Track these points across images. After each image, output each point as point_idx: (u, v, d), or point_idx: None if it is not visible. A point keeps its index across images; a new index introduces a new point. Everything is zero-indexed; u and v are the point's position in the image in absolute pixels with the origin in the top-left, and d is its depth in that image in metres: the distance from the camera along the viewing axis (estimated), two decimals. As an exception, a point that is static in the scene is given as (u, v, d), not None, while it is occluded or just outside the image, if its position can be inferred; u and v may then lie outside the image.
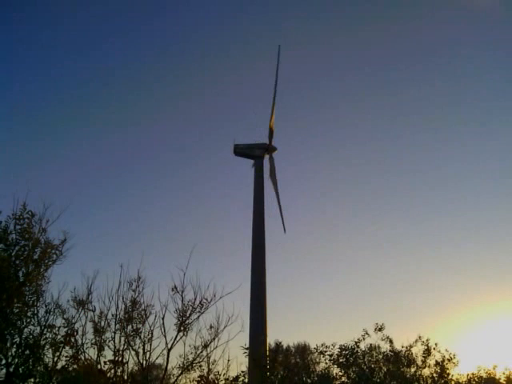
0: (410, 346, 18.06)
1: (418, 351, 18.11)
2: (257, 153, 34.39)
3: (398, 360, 17.63)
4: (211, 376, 14.60)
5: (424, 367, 17.82)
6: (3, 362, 12.08)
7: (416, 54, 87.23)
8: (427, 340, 18.18)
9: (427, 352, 18.00)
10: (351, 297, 67.22)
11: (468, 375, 18.74)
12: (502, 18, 74.89)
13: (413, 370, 17.72)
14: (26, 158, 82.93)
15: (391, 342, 18.12)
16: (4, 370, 12.01)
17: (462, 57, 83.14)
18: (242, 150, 34.45)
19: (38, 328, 13.15)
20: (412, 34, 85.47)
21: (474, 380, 18.55)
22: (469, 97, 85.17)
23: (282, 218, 32.80)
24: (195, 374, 14.76)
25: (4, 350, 12.18)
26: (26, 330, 12.98)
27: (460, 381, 18.39)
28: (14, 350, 12.49)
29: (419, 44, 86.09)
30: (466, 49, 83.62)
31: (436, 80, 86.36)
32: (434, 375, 17.54)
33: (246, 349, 17.80)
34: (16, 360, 12.34)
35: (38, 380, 12.62)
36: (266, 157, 34.46)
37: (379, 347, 18.07)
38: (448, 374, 17.72)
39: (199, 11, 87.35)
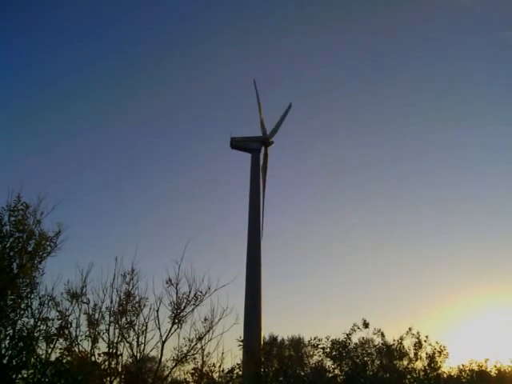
0: (401, 339, 18.26)
1: (409, 344, 18.32)
2: (253, 146, 34.28)
3: (390, 353, 17.81)
4: (205, 368, 14.67)
5: (416, 360, 18.03)
6: (-4, 353, 12.05)
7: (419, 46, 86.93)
8: (418, 333, 18.38)
9: (418, 345, 18.21)
10: (345, 289, 67.63)
11: (459, 368, 18.99)
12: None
13: (405, 362, 17.93)
14: (21, 150, 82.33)
15: (383, 335, 18.33)
16: (-3, 362, 11.99)
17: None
18: (238, 143, 34.30)
19: (32, 320, 13.07)
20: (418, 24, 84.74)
21: (466, 372, 18.79)
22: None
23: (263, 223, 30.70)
24: (189, 367, 14.88)
25: (-3, 342, 12.15)
26: (19, 322, 12.88)
27: (452, 373, 18.62)
28: (7, 341, 12.44)
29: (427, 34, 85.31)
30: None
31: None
32: (426, 368, 17.74)
33: (241, 341, 17.92)
34: (9, 352, 12.30)
35: (31, 372, 12.60)
36: (263, 150, 34.38)
37: (372, 341, 18.25)
38: (439, 367, 17.94)
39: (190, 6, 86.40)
